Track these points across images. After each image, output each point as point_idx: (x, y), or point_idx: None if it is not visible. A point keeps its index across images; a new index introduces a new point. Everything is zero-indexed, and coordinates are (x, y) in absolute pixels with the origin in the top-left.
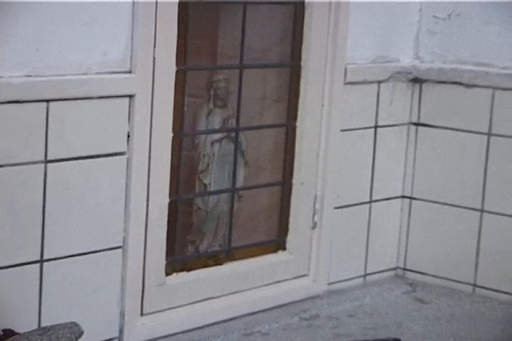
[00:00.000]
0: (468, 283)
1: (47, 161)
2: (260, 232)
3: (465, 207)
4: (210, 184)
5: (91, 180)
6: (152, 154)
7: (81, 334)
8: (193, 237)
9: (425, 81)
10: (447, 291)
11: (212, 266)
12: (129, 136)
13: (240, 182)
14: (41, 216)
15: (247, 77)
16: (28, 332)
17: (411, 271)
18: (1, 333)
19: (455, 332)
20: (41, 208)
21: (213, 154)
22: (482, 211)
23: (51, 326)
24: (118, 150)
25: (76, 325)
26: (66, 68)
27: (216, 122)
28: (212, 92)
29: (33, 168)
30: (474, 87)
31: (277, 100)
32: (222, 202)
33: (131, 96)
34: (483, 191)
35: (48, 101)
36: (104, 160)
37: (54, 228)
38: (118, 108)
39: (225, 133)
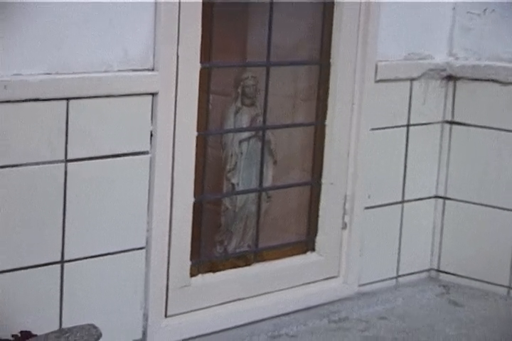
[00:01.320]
0: (503, 285)
1: (67, 160)
2: (289, 233)
3: (500, 208)
4: (238, 184)
5: (113, 180)
6: (176, 153)
7: (99, 336)
8: (221, 238)
9: (459, 78)
10: (481, 293)
11: (240, 267)
12: (152, 135)
13: (268, 181)
14: (62, 216)
15: (275, 75)
16: (46, 334)
17: (445, 272)
18: (19, 335)
19: (488, 336)
20: (62, 208)
21: (241, 153)
22: None
23: (69, 328)
24: (141, 150)
25: (94, 327)
26: (87, 66)
27: (244, 121)
28: (240, 90)
29: (53, 167)
30: (510, 85)
31: (307, 99)
32: (250, 202)
33: (154, 94)
34: None
35: (68, 99)
36: (126, 160)
37: (75, 228)
38: (140, 106)
39: (253, 132)
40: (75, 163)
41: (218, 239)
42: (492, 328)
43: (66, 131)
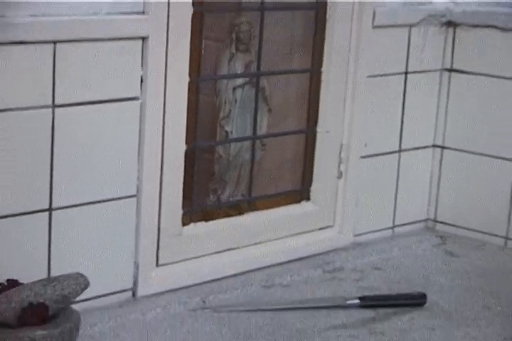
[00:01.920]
0: (500, 236)
1: (55, 106)
2: (284, 182)
3: (499, 157)
4: (231, 131)
5: (102, 126)
6: (167, 99)
7: (87, 285)
8: (214, 186)
9: (459, 25)
10: (478, 244)
11: (233, 216)
12: (142, 81)
13: (263, 129)
14: (49, 163)
15: (270, 20)
16: (32, 283)
17: (441, 222)
18: (5, 283)
19: (484, 287)
20: (49, 155)
21: (235, 100)
22: None
23: (55, 277)
24: (131, 95)
25: (82, 275)
26: (74, 8)
27: (238, 67)
28: (234, 36)
29: (40, 112)
30: (510, 31)
31: (302, 45)
32: (244, 150)
33: (144, 39)
34: None
35: (55, 42)
36: (115, 106)
37: (63, 175)
38: (130, 50)
39: (247, 79)
40: (63, 108)
41: (211, 187)
42: (488, 279)
43: (53, 76)
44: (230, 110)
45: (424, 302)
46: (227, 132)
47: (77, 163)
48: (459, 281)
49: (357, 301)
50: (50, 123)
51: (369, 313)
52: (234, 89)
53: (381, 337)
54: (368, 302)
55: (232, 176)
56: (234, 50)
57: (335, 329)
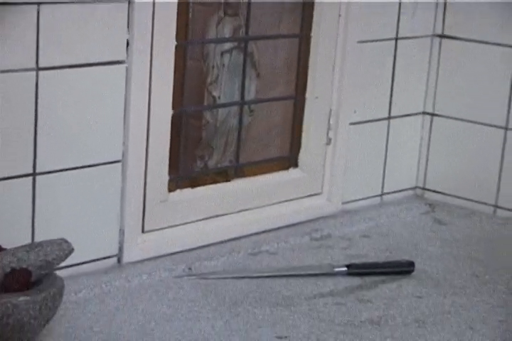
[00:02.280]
0: (489, 204)
1: (38, 69)
2: (272, 148)
3: (489, 125)
4: (219, 97)
5: (86, 90)
6: (154, 63)
7: (71, 251)
8: (202, 153)
9: None
10: (467, 212)
11: (220, 183)
12: (128, 44)
13: (251, 95)
14: (33, 127)
15: None
16: (15, 249)
17: (431, 190)
18: None
19: (473, 254)
20: (33, 119)
21: (223, 65)
22: (506, 129)
23: (39, 242)
24: (116, 59)
25: (66, 241)
26: None
27: (226, 31)
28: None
29: (23, 75)
30: None
31: (291, 9)
32: (232, 116)
33: (130, 1)
34: (509, 108)
35: (38, 3)
36: (101, 69)
37: (47, 140)
38: (115, 13)
39: (235, 43)
40: (47, 71)
41: (198, 154)
42: (476, 247)
43: (37, 38)
44: (218, 75)
45: (412, 270)
46: (214, 97)
47: (61, 127)
48: (447, 249)
49: (344, 269)
50: (34, 87)
51: (356, 281)
52: (222, 53)
53: (368, 304)
54: (356, 270)
55: (220, 142)
56: (222, 14)
57: (322, 297)
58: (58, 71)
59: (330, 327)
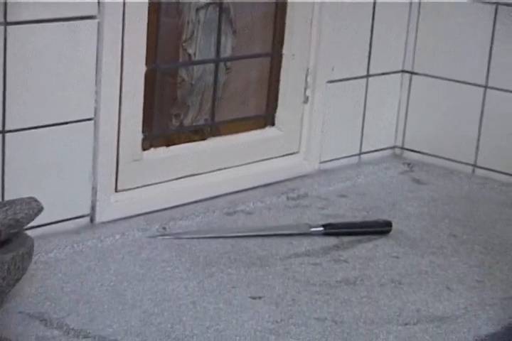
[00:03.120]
0: (468, 164)
1: (7, 23)
2: (248, 107)
3: (468, 83)
4: (194, 54)
5: (57, 45)
6: (126, 18)
7: (40, 209)
8: (177, 111)
9: None
10: (446, 172)
11: (196, 141)
12: None
13: (227, 52)
14: (2, 84)
15: None
16: None
17: (409, 150)
18: None
19: (451, 214)
20: (1, 75)
21: (198, 22)
22: (486, 87)
23: (7, 201)
24: (87, 14)
25: (35, 200)
26: None
27: None
28: None
29: None
30: None
31: None
32: (207, 73)
33: None
34: (488, 65)
35: None
36: (71, 24)
37: (16, 97)
38: None
39: None
40: (15, 26)
41: (174, 112)
42: (454, 206)
43: None
44: (193, 32)
45: (389, 230)
46: (190, 55)
47: (30, 84)
48: (425, 209)
49: (321, 229)
50: (2, 42)
51: (333, 241)
52: (197, 10)
53: (344, 264)
54: (332, 229)
55: (195, 100)
56: None
57: (297, 257)
58: (27, 26)
59: (305, 287)
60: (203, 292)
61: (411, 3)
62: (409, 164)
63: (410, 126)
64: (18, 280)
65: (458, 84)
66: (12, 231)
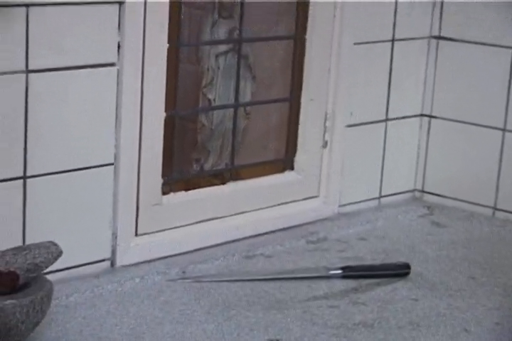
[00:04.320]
0: (488, 206)
1: (28, 71)
2: (268, 151)
3: (487, 126)
4: (214, 99)
5: (78, 93)
6: (146, 65)
7: (59, 254)
8: (198, 156)
9: None
10: (466, 214)
11: (215, 185)
12: (119, 46)
13: (247, 98)
14: (23, 130)
15: None
16: (3, 252)
17: (429, 193)
18: None
19: (470, 257)
20: (23, 121)
21: (218, 68)
22: (504, 130)
23: (27, 245)
24: (107, 61)
25: (54, 244)
26: None
27: (221, 34)
28: (216, 2)
29: (13, 78)
30: None
31: (286, 11)
32: (227, 119)
33: (120, 3)
34: (506, 109)
35: (27, 5)
36: (91, 71)
37: (38, 143)
38: (106, 15)
39: (230, 46)
40: (37, 74)
41: (195, 157)
42: (474, 249)
43: (26, 40)
44: (213, 78)
45: (408, 273)
46: (210, 100)
47: (52, 130)
48: (444, 252)
49: (339, 271)
50: (24, 89)
51: (351, 284)
52: (217, 56)
53: (363, 307)
54: (351, 272)
55: (216, 145)
56: (217, 17)
57: (316, 300)
58: (48, 73)
59: (323, 330)
60: (222, 335)
61: (429, 48)
62: (429, 207)
63: (430, 169)
64: (37, 323)
65: (476, 127)
66: (31, 275)
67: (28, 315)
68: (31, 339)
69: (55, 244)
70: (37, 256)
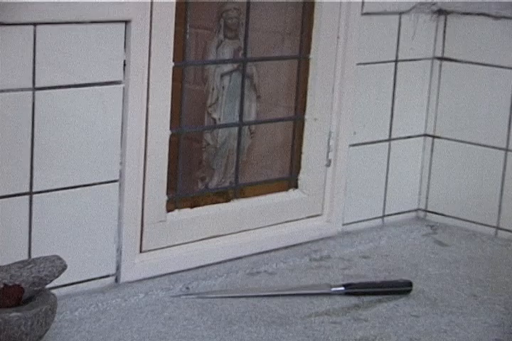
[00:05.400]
0: (491, 226)
1: (35, 88)
2: (272, 170)
3: (490, 146)
4: (219, 119)
5: (83, 110)
6: (151, 83)
7: (64, 268)
8: (203, 174)
9: (450, 12)
10: (469, 234)
11: (220, 203)
12: (125, 65)
13: (251, 117)
14: (30, 146)
15: (258, 6)
16: (8, 265)
17: (432, 212)
18: None
19: (472, 275)
20: (30, 138)
21: (223, 87)
22: (507, 150)
23: (32, 259)
24: (113, 79)
25: (59, 258)
26: None
27: (227, 54)
28: (222, 22)
29: (20, 95)
30: (502, 19)
31: (291, 31)
32: (232, 138)
33: (127, 22)
34: (509, 129)
35: (35, 24)
36: (97, 89)
37: (44, 159)
38: (112, 34)
39: (235, 66)
40: (44, 91)
41: (200, 175)
42: (476, 268)
43: (34, 58)
44: (218, 97)
45: (410, 290)
46: (214, 119)
47: (58, 146)
48: (446, 270)
49: (342, 288)
50: (31, 106)
51: (353, 300)
52: (222, 76)
53: (364, 323)
54: (353, 289)
55: (220, 164)
56: (222, 37)
57: (318, 316)
58: (55, 91)
59: None
60: None
61: (432, 69)
62: (432, 226)
63: (433, 189)
64: (41, 336)
65: (479, 147)
66: (36, 288)
67: (33, 328)
68: None
69: (60, 258)
70: (42, 269)
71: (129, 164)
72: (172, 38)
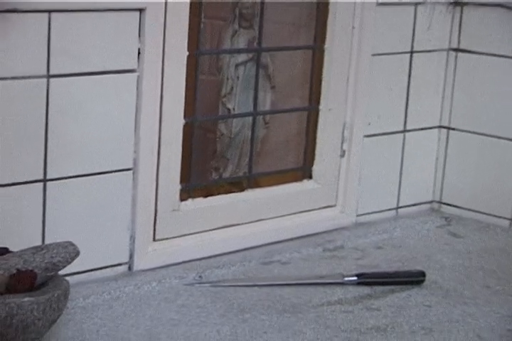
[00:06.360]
0: (505, 218)
1: (49, 76)
2: (286, 160)
3: (505, 138)
4: (233, 108)
5: (98, 98)
6: (165, 72)
7: (77, 254)
8: (217, 164)
9: (466, 4)
10: (483, 225)
11: (234, 193)
12: (139, 53)
13: (266, 107)
14: (44, 133)
15: None
16: (21, 251)
17: (447, 204)
18: None
19: (485, 266)
20: (44, 125)
21: (237, 78)
22: None
23: (45, 245)
24: (127, 67)
25: (72, 244)
26: None
27: (241, 44)
28: (237, 12)
29: (34, 82)
30: None
31: (306, 21)
32: (246, 128)
33: (141, 10)
34: None
35: (49, 11)
36: (111, 77)
37: (58, 147)
38: (127, 22)
39: (250, 56)
40: (58, 78)
41: (214, 165)
42: (489, 259)
43: (48, 46)
44: (232, 87)
45: (423, 280)
46: (229, 109)
47: (72, 134)
48: (460, 261)
49: (354, 278)
50: (45, 94)
51: (366, 290)
52: (236, 66)
53: (376, 312)
54: (366, 279)
55: (234, 154)
56: (237, 27)
57: (330, 305)
58: (69, 78)
59: (336, 333)
60: (235, 337)
61: (447, 60)
62: (446, 218)
63: (448, 181)
64: (54, 321)
65: (494, 139)
66: (48, 274)
67: (45, 313)
68: (48, 338)
69: (73, 244)
70: (55, 255)
71: (142, 152)
72: (186, 27)
